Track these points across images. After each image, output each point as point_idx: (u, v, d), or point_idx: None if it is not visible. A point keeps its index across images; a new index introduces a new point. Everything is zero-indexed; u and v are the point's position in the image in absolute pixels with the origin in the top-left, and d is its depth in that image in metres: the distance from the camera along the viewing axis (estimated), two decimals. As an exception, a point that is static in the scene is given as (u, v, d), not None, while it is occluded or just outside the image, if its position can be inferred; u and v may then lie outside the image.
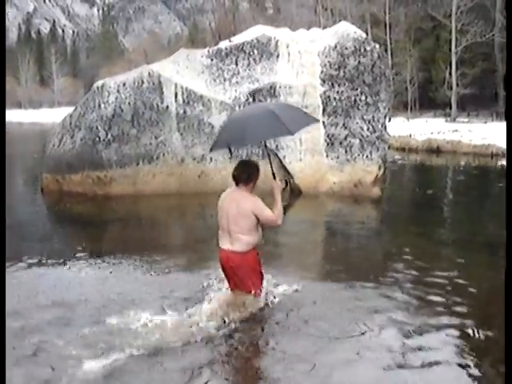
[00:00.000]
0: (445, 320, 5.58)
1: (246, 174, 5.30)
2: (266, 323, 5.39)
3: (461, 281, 6.77)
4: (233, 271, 5.35)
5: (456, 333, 5.28)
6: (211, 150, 5.92)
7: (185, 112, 13.11)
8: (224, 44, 14.08)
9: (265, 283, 5.62)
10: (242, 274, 5.34)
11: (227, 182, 13.04)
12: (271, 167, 5.42)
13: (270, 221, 5.25)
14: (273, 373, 4.53)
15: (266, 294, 5.62)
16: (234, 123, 5.49)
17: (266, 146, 5.91)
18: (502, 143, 25.12)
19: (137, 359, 4.60)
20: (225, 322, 5.15)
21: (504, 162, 22.23)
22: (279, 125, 5.05)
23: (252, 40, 13.58)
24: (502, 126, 33.05)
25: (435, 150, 26.92)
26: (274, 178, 5.36)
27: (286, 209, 8.31)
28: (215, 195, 12.63)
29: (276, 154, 12.78)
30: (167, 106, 13.11)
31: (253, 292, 5.39)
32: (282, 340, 5.02)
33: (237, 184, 5.37)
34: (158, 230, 10.30)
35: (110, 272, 7.13)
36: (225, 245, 5.35)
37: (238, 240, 5.25)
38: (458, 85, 42.84)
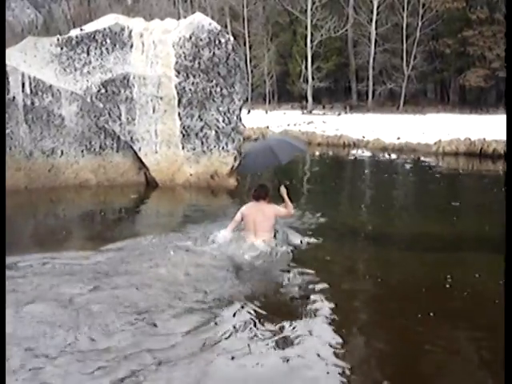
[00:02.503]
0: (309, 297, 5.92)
1: (264, 193, 7.64)
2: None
3: (321, 262, 7.23)
4: None
5: (322, 308, 5.60)
6: (247, 171, 9.47)
7: (33, 103, 12.45)
8: (75, 32, 13.49)
9: None
10: None
11: (79, 176, 12.76)
12: (278, 180, 8.44)
13: (287, 214, 7.86)
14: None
15: None
16: (262, 152, 8.04)
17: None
18: (353, 134, 26.48)
19: None
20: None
21: (355, 151, 23.38)
22: (294, 147, 8.25)
23: (104, 29, 13.12)
24: (354, 117, 34.83)
25: (292, 141, 27.69)
26: (280, 185, 7.89)
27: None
28: (68, 190, 12.37)
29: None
30: (13, 97, 12.38)
31: None
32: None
33: (257, 200, 7.62)
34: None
35: None
36: (250, 239, 7.39)
37: (261, 236, 7.38)
38: (313, 78, 44.34)
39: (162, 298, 5.80)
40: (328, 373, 4.45)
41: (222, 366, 4.51)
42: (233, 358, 4.59)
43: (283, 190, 7.77)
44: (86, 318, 5.25)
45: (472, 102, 42.41)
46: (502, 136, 21.12)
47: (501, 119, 26.87)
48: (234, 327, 5.14)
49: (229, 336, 4.98)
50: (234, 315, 5.42)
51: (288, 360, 4.59)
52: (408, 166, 19.27)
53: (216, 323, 5.23)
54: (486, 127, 24.26)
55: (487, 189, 14.44)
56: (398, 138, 24.61)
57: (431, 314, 5.50)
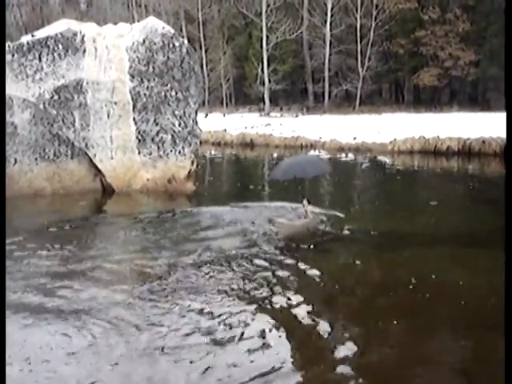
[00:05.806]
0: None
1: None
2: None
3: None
4: None
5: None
6: (278, 178, 9.69)
7: (-17, 111, 12.22)
8: (26, 39, 13.28)
9: None
10: None
11: (34, 185, 12.54)
12: (303, 195, 9.39)
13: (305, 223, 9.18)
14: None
15: None
16: (293, 165, 9.43)
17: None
18: (310, 135, 26.66)
19: None
20: None
21: (312, 152, 23.53)
22: (321, 166, 9.84)
23: (56, 34, 12.95)
24: (311, 119, 35.04)
25: (249, 144, 27.82)
26: (304, 198, 9.14)
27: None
28: (22, 199, 12.10)
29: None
30: (-37, 106, 12.14)
31: None
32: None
33: None
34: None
35: None
36: None
37: None
38: (270, 81, 44.41)
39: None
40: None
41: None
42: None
43: (305, 203, 9.13)
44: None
45: (426, 100, 43.11)
46: (456, 133, 21.65)
47: (454, 117, 27.45)
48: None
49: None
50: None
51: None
52: (364, 166, 19.50)
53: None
54: (440, 125, 24.71)
55: (449, 186, 14.81)
56: (355, 138, 24.89)
57: (394, 321, 5.58)
